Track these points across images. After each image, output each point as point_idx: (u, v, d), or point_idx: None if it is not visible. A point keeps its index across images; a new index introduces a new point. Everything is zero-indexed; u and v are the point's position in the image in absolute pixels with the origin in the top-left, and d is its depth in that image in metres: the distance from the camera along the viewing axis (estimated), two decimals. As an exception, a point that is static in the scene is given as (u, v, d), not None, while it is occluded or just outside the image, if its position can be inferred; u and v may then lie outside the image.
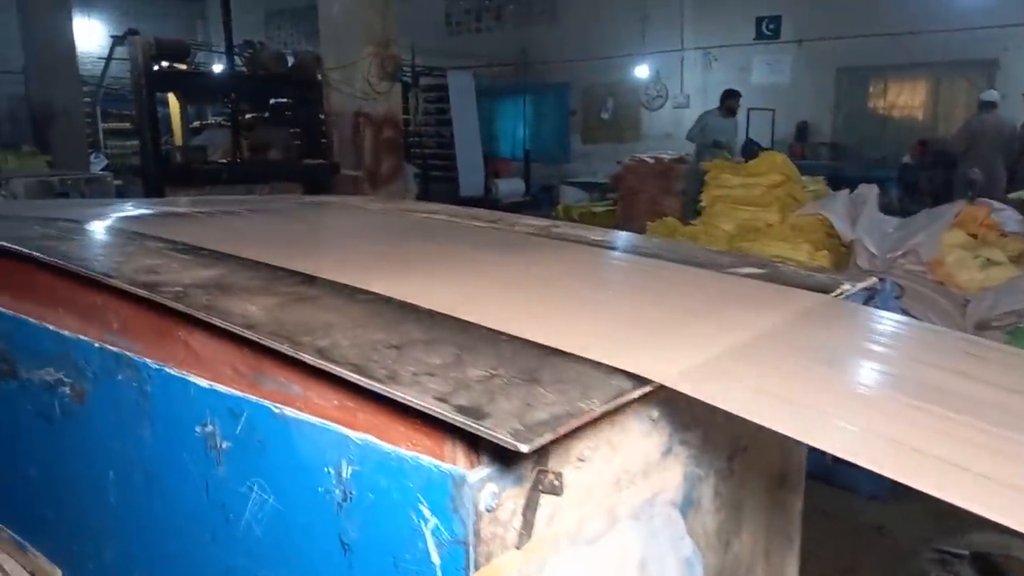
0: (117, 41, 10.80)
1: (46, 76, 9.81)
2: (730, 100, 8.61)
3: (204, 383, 0.93)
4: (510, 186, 13.06)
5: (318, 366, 0.76)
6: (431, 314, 0.92)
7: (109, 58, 11.20)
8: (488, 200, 12.75)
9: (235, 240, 1.31)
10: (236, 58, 7.37)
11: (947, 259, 4.28)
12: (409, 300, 0.95)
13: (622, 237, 1.67)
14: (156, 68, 6.05)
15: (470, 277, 1.18)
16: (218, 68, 9.84)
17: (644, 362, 0.80)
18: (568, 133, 13.90)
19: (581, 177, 12.99)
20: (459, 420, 0.65)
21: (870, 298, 3.89)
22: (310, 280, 1.04)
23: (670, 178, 10.83)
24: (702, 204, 4.92)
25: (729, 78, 11.57)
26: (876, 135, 10.73)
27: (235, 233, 1.41)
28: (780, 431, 0.70)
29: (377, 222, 1.69)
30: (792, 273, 1.35)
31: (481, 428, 0.64)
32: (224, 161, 7.15)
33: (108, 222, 1.53)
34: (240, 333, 0.83)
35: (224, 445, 0.91)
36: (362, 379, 0.72)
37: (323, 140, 7.81)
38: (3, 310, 1.29)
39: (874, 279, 1.56)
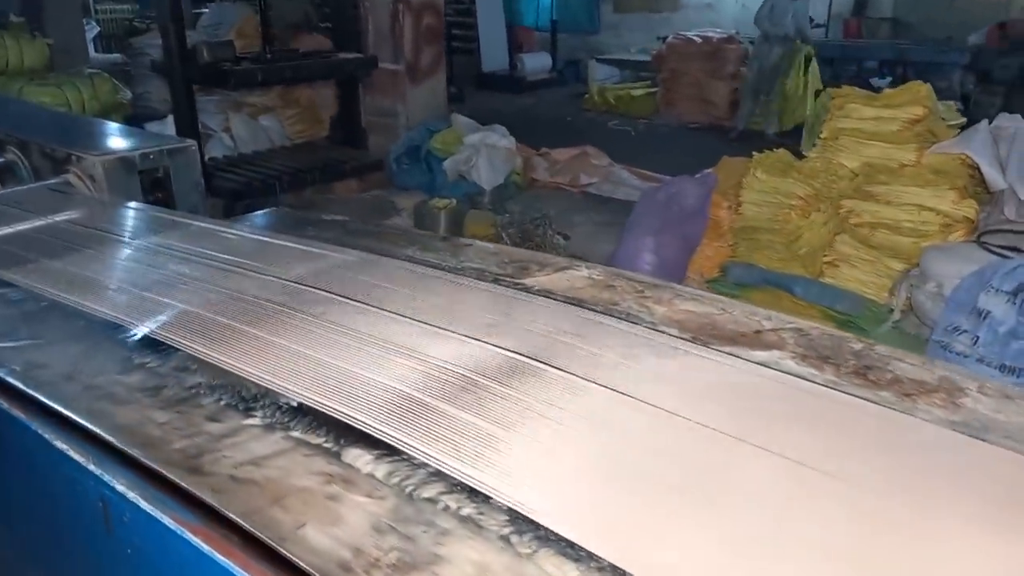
0: None
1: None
2: None
3: None
4: (536, 61, 12.19)
5: None
6: None
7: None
8: (513, 78, 11.91)
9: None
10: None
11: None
12: None
13: None
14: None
15: None
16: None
17: None
18: (598, 0, 12.79)
19: (612, 52, 12.09)
20: None
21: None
22: None
23: (718, 60, 10.02)
24: (822, 136, 4.40)
25: (785, -58, 10.50)
26: (942, 12, 9.90)
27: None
28: None
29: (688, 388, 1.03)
30: None
31: None
32: (251, 55, 6.39)
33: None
34: None
35: None
36: None
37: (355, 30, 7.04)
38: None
39: None
